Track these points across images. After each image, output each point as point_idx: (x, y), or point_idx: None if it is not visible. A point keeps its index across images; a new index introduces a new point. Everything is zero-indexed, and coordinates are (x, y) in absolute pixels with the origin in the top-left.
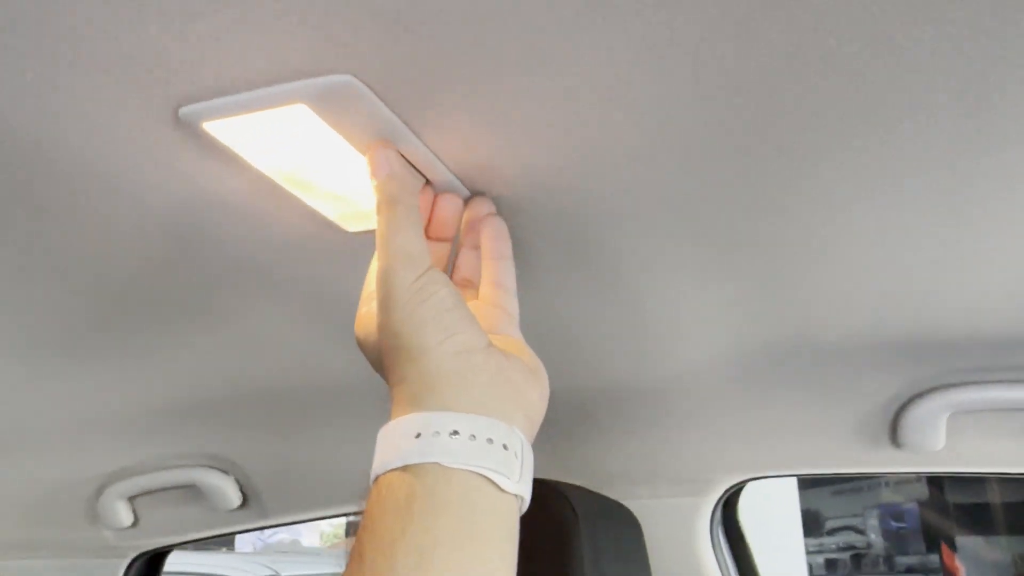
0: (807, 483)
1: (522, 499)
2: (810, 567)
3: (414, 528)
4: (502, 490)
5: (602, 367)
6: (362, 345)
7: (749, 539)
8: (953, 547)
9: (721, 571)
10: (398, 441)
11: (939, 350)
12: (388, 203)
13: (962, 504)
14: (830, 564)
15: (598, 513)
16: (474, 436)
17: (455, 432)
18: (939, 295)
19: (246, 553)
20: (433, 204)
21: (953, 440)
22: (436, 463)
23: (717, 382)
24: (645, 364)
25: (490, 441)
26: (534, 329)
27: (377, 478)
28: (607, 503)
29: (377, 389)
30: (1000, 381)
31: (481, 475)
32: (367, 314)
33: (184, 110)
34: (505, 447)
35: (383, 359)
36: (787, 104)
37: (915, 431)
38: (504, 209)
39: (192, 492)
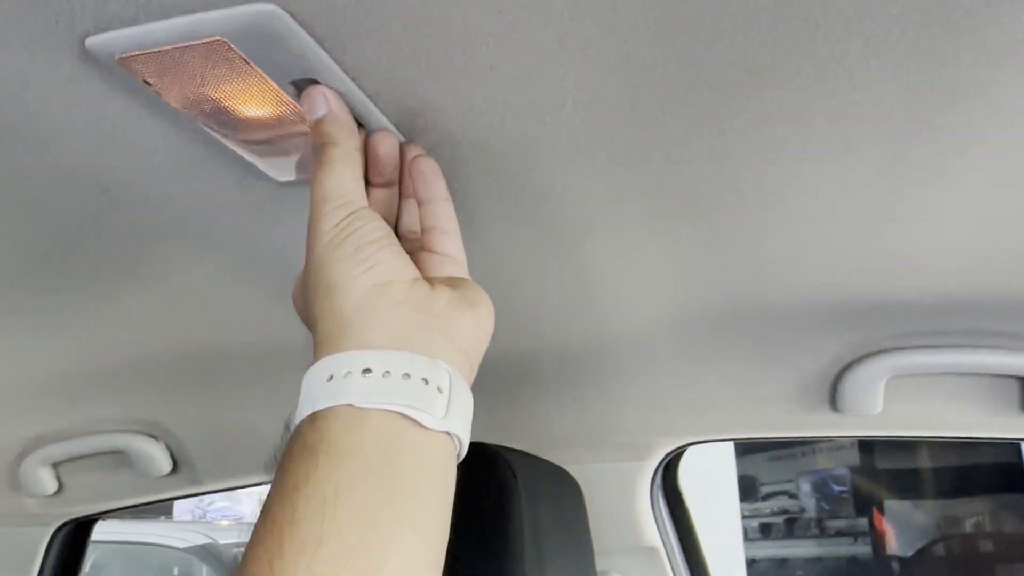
0: (743, 450)
1: (456, 438)
2: (745, 531)
3: (319, 474)
4: (425, 428)
5: (545, 329)
6: (294, 300)
7: (688, 503)
8: (882, 511)
9: (661, 535)
10: (311, 387)
11: (879, 314)
12: (324, 144)
13: (891, 470)
14: (764, 528)
15: (538, 477)
16: (388, 372)
17: (367, 370)
18: (881, 258)
19: (185, 521)
20: (366, 146)
21: (891, 404)
22: (348, 405)
23: (660, 345)
24: (588, 326)
25: (407, 376)
26: None
27: (291, 430)
28: (548, 467)
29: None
30: (938, 346)
31: (398, 413)
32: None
33: (92, 40)
34: (425, 381)
35: (307, 305)
36: (738, 59)
37: (854, 395)
38: (442, 159)
39: (120, 458)
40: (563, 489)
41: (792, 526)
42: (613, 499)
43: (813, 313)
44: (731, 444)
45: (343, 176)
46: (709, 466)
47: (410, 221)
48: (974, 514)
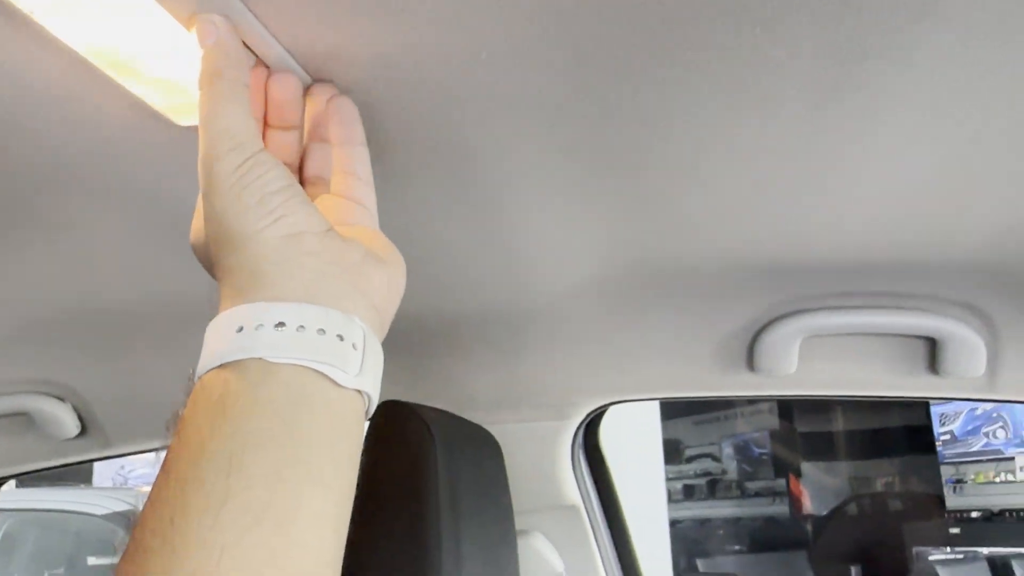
0: (669, 414)
1: (368, 396)
2: (669, 493)
3: (225, 430)
4: (338, 385)
5: (465, 288)
6: (195, 249)
7: (610, 463)
8: (799, 472)
9: (581, 493)
10: (217, 338)
11: (796, 275)
12: (210, 76)
13: (808, 433)
14: (687, 490)
15: (457, 437)
16: (303, 327)
17: (280, 324)
18: (798, 219)
19: (104, 488)
20: (268, 86)
21: (805, 364)
22: (259, 358)
23: (582, 305)
24: (509, 286)
25: (322, 332)
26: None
27: (195, 381)
28: (467, 426)
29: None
30: (850, 307)
31: (312, 369)
32: (199, 216)
33: None
34: (340, 338)
35: (210, 255)
36: (655, 16)
37: (770, 355)
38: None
39: (24, 421)
40: (482, 448)
41: (714, 487)
42: (534, 458)
43: (732, 274)
44: (657, 408)
45: (232, 113)
46: (636, 429)
47: (316, 166)
48: (885, 474)
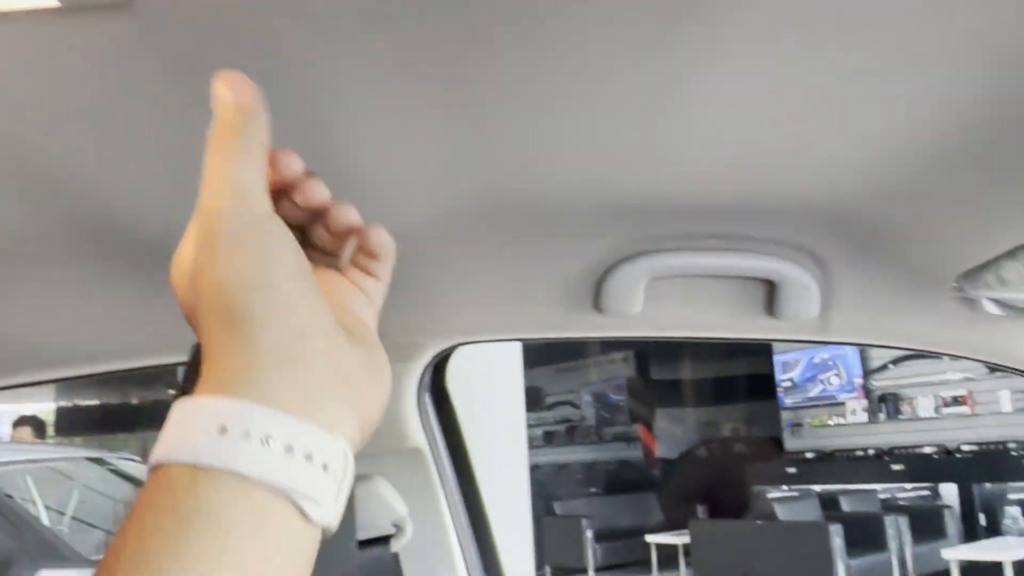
0: (531, 362)
1: (331, 529)
2: (530, 439)
3: (190, 550)
4: (308, 519)
5: None
6: (176, 286)
7: (472, 411)
8: (652, 419)
9: (427, 436)
10: (196, 429)
11: (641, 215)
12: (226, 130)
13: (663, 380)
14: (548, 435)
15: None
16: (291, 448)
17: (268, 438)
18: (644, 156)
19: None
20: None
21: (650, 305)
22: (235, 472)
23: (425, 241)
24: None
25: (308, 458)
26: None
27: (158, 466)
28: None
29: (75, 244)
30: (694, 248)
31: (288, 498)
32: (184, 255)
33: None
34: (325, 467)
35: (198, 314)
36: None
37: (616, 296)
38: (178, 30)
39: None
40: None
41: (573, 433)
42: None
43: (578, 212)
44: (520, 356)
45: (244, 169)
46: (497, 376)
47: (320, 230)
48: (731, 420)
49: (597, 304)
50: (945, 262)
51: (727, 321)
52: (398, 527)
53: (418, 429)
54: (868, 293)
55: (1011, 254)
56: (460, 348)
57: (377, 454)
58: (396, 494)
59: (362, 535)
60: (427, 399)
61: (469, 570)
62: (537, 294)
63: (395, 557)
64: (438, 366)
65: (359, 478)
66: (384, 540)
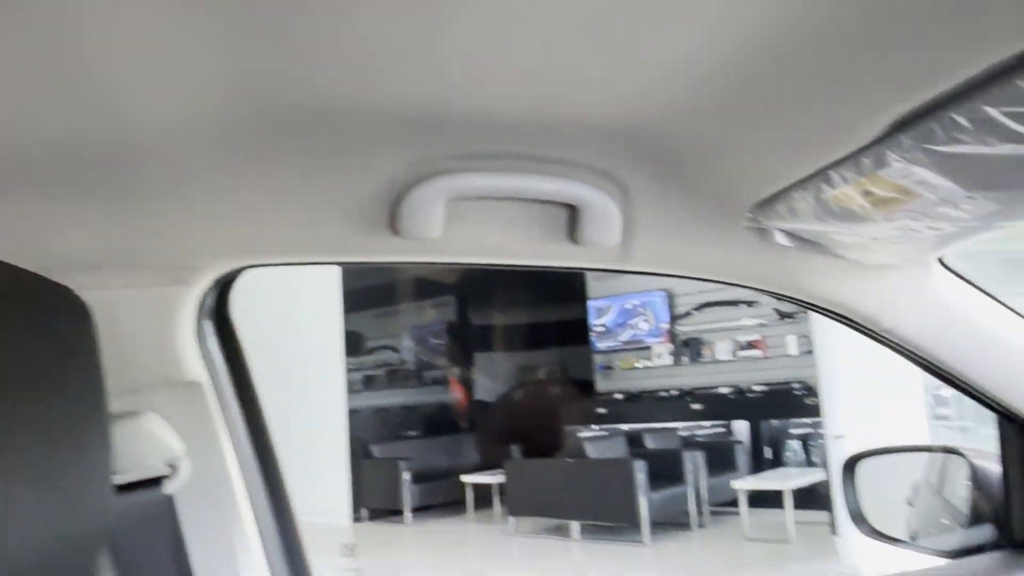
0: (351, 307)
1: None
2: (350, 383)
3: None
4: None
5: (41, 123)
6: None
7: (289, 354)
8: (472, 362)
9: (208, 368)
10: None
11: (437, 131)
12: None
13: (482, 325)
14: (368, 380)
15: (14, 298)
16: None
17: None
18: (439, 67)
19: None
20: None
21: (451, 228)
22: None
23: (198, 149)
24: (103, 124)
25: None
26: None
27: None
28: (40, 287)
29: None
30: (494, 170)
31: None
32: None
33: None
34: None
35: None
36: None
37: (413, 217)
38: None
39: None
40: (58, 314)
41: (393, 377)
42: (149, 329)
43: (370, 125)
44: (339, 299)
45: None
46: (315, 320)
47: None
48: (546, 364)
49: (394, 226)
50: (742, 192)
51: (530, 247)
52: (172, 467)
53: (197, 361)
54: (668, 222)
55: (802, 184)
56: (265, 284)
57: (148, 387)
58: (170, 431)
59: (128, 478)
60: (208, 328)
61: (256, 510)
62: (327, 215)
63: (169, 500)
64: (221, 292)
65: (122, 415)
66: (155, 482)
